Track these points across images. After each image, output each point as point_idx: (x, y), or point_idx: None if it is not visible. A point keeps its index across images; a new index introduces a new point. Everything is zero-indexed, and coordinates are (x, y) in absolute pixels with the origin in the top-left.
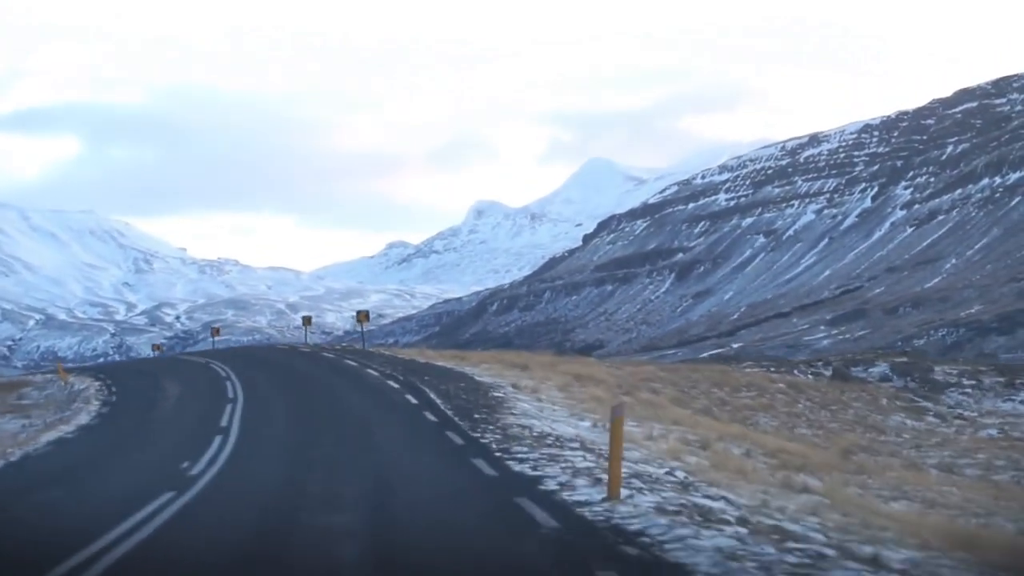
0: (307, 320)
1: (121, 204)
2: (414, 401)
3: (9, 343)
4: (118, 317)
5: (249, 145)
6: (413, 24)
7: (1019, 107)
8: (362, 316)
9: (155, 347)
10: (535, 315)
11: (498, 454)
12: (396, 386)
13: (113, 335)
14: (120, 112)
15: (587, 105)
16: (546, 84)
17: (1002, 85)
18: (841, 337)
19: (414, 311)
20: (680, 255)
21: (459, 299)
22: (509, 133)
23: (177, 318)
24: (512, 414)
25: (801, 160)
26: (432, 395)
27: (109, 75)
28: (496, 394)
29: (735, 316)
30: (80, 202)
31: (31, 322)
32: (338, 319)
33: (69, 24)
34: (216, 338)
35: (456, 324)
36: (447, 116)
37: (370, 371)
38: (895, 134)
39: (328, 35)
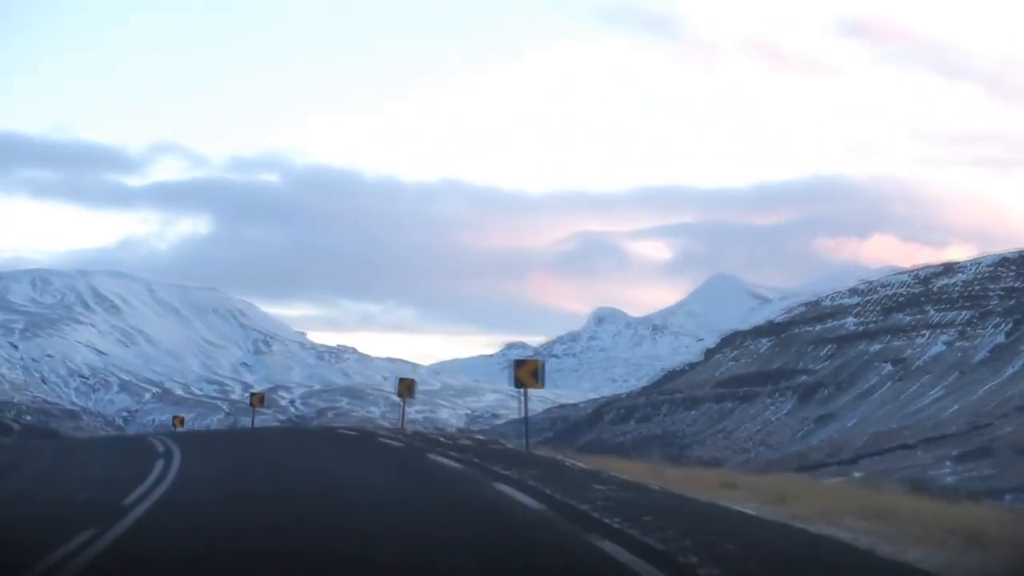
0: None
1: (246, 284)
2: None
3: (125, 414)
4: (233, 396)
5: (381, 236)
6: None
7: None
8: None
9: (176, 420)
10: (651, 427)
11: None
12: None
13: (227, 414)
14: (257, 194)
15: (718, 219)
16: (678, 196)
17: None
18: (967, 475)
19: (529, 414)
20: (803, 377)
21: (575, 405)
22: (637, 242)
23: (292, 402)
24: None
25: (934, 289)
26: None
27: (250, 158)
28: None
29: (858, 444)
30: (206, 279)
31: (147, 395)
32: (452, 415)
33: (211, 104)
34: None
35: (571, 430)
36: (577, 221)
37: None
38: None
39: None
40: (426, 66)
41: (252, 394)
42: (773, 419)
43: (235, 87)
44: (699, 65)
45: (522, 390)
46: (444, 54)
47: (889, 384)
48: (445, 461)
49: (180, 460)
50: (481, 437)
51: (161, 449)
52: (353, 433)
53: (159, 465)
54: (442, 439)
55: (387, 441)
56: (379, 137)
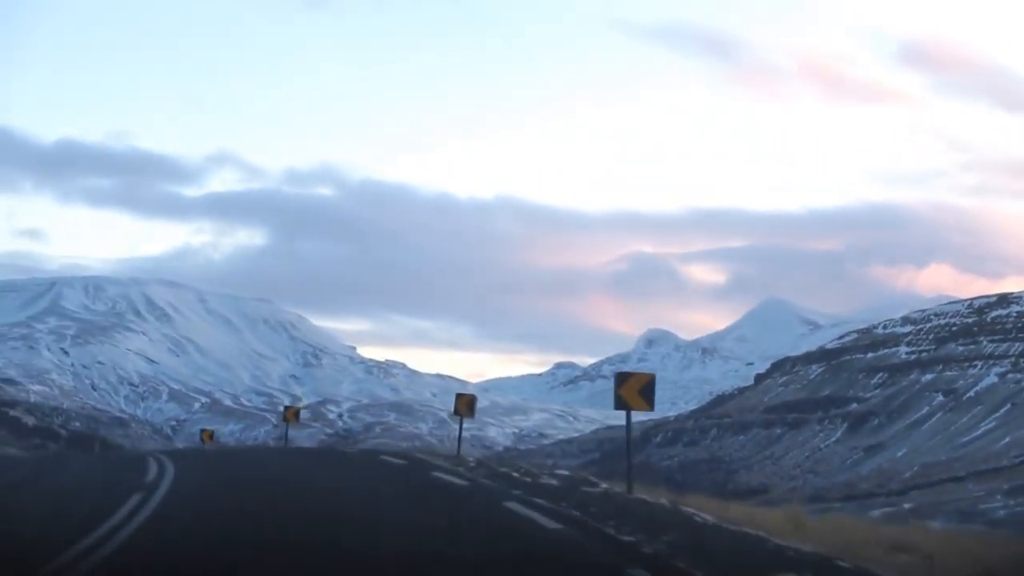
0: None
1: (298, 297)
2: None
3: (173, 423)
4: (281, 408)
5: (434, 252)
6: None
7: None
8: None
9: (205, 434)
10: (699, 451)
11: None
12: None
13: (275, 426)
14: (312, 207)
15: (772, 243)
16: (733, 219)
17: None
18: (1019, 508)
19: (576, 434)
20: (854, 405)
21: (622, 427)
22: (690, 265)
23: (340, 416)
24: None
25: (988, 320)
26: None
27: (305, 171)
28: None
29: (907, 475)
30: (258, 290)
31: (197, 404)
32: (499, 434)
33: (268, 116)
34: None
35: (618, 452)
36: (631, 242)
37: None
38: None
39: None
40: (481, 83)
41: (286, 408)
42: (822, 447)
43: (293, 100)
44: (757, 89)
45: (625, 412)
46: (497, 69)
47: (940, 415)
48: (536, 517)
49: (164, 497)
50: (565, 472)
51: (150, 477)
52: (400, 462)
53: (132, 502)
54: (516, 474)
55: (445, 476)
56: (434, 153)
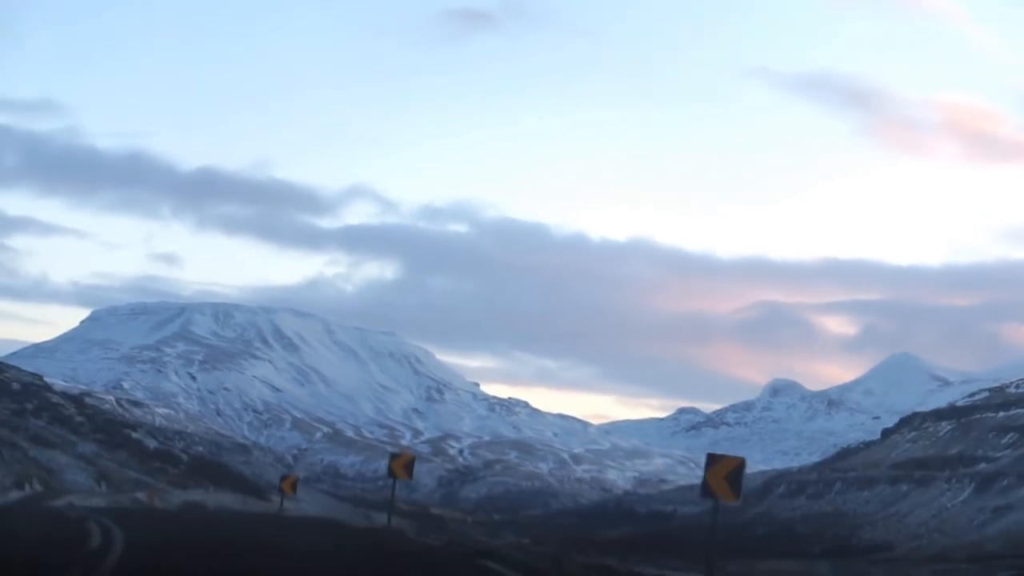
0: (288, 484)
1: (425, 331)
2: None
3: (295, 451)
4: (403, 442)
5: (564, 292)
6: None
7: None
8: (397, 467)
9: (286, 482)
10: (822, 505)
11: None
12: None
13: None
14: (445, 243)
15: (906, 297)
16: (867, 271)
17: None
18: None
19: (697, 481)
20: (983, 464)
21: (744, 475)
22: (821, 315)
23: (460, 452)
24: None
25: None
26: None
27: (440, 207)
28: None
29: None
30: (386, 323)
31: (318, 434)
32: (619, 477)
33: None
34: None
35: (741, 501)
36: (761, 290)
37: None
38: None
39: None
40: (617, 125)
41: (283, 478)
42: (949, 506)
43: (431, 136)
44: (898, 141)
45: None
46: (636, 114)
47: None
48: None
49: None
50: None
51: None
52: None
53: None
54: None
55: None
56: (569, 194)
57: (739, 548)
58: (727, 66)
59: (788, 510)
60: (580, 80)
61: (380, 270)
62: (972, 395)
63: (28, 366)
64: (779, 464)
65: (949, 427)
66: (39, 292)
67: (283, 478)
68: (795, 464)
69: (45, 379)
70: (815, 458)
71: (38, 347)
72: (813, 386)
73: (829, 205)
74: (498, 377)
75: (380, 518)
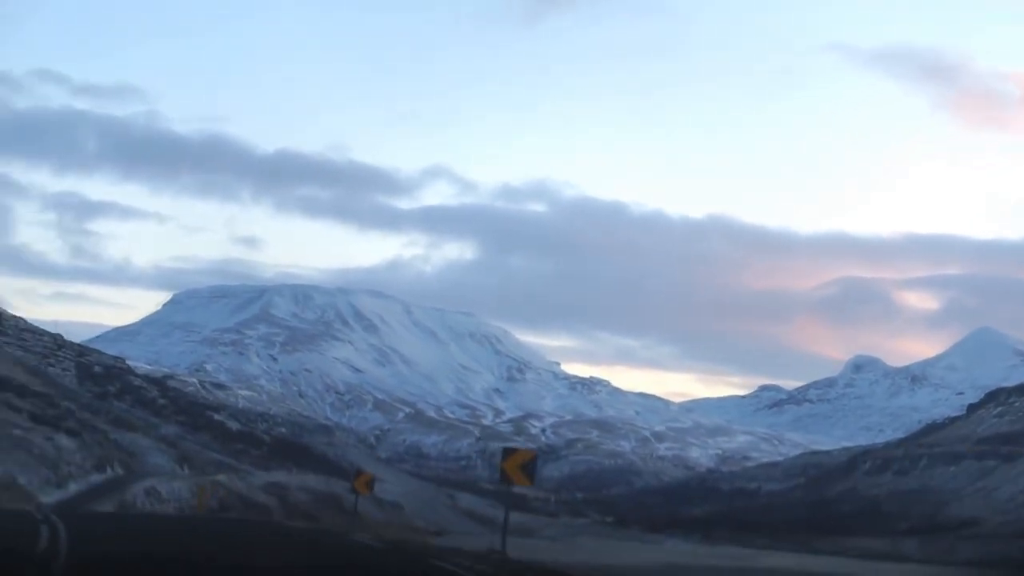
0: (362, 483)
1: (504, 311)
2: None
3: (377, 432)
4: (485, 422)
5: (643, 271)
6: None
7: None
8: (360, 484)
9: (360, 481)
10: (908, 481)
11: None
12: None
13: (478, 439)
14: (523, 223)
15: (990, 272)
16: (949, 245)
17: None
18: None
19: (780, 458)
20: None
21: (828, 452)
22: (902, 291)
23: (542, 431)
24: None
25: None
26: None
27: (518, 187)
28: None
29: None
30: (465, 304)
31: (400, 414)
32: (702, 455)
33: (483, 132)
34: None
35: (823, 478)
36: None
37: None
38: None
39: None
40: (695, 103)
41: (357, 474)
42: None
43: (508, 116)
44: (977, 114)
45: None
46: (714, 90)
47: None
48: None
49: None
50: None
51: None
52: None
53: None
54: None
55: None
56: (647, 172)
57: (825, 525)
58: (805, 42)
59: (874, 487)
60: (657, 59)
61: (459, 251)
62: None
63: (111, 350)
64: (863, 440)
65: None
66: (121, 276)
67: (357, 475)
68: (879, 440)
69: (128, 362)
70: (899, 434)
71: (120, 331)
72: (895, 362)
73: (909, 180)
74: (578, 356)
75: (467, 502)
